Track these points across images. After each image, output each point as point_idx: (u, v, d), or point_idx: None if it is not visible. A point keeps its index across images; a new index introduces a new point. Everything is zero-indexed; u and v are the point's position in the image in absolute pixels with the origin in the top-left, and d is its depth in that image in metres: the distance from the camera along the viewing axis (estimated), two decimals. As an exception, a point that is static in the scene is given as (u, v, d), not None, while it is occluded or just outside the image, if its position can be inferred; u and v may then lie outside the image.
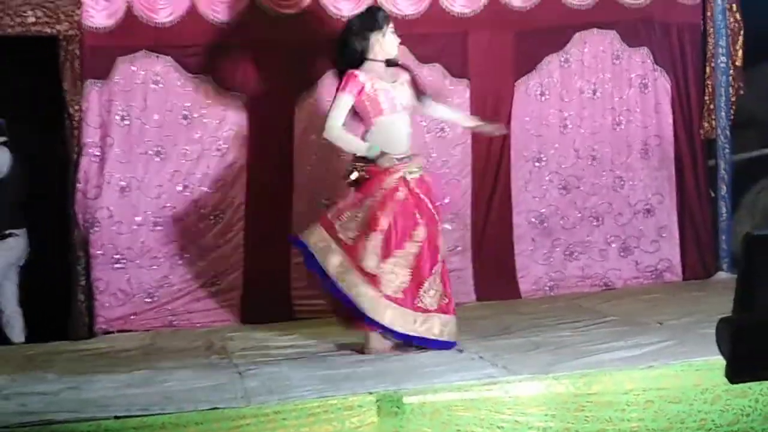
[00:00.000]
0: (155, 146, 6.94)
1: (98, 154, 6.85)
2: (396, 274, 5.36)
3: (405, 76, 5.89)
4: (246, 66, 7.05)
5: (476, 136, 7.36)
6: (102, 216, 6.82)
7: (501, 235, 7.47)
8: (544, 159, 7.54)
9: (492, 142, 7.41)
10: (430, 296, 5.47)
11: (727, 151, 7.84)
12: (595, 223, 7.63)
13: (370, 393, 4.36)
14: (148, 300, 6.89)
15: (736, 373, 3.33)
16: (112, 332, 6.73)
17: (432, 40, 7.33)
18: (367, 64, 5.69)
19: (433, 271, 5.50)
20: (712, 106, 7.80)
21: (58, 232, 6.98)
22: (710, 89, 7.81)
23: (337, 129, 5.56)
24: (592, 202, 7.62)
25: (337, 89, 5.65)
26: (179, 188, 6.97)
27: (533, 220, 7.53)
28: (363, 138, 5.67)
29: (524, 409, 4.41)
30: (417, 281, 5.44)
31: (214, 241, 7.01)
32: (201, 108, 7.00)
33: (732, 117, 7.84)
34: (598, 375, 4.57)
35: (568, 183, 7.57)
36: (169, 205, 6.95)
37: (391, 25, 5.80)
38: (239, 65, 7.05)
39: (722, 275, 7.64)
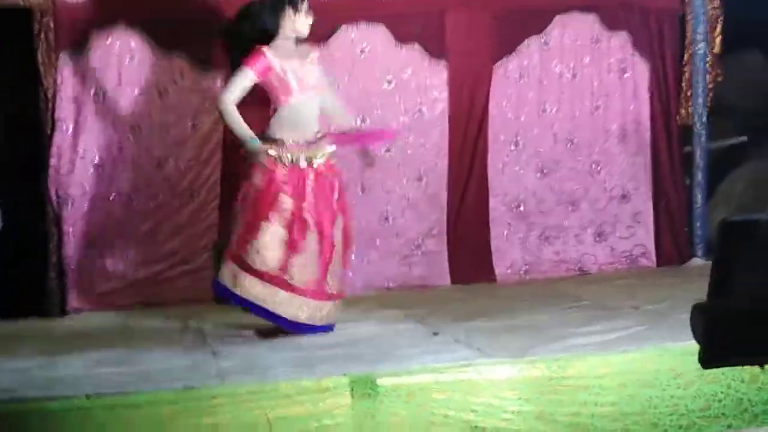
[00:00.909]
0: (129, 122, 6.86)
1: (72, 128, 6.77)
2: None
3: (314, 54, 5.84)
4: (219, 41, 6.96)
5: (454, 118, 7.35)
6: (75, 192, 6.75)
7: (477, 218, 7.45)
8: (522, 142, 7.52)
9: (469, 125, 7.40)
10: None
11: (703, 138, 7.83)
12: (571, 208, 7.62)
13: (344, 375, 4.34)
14: (122, 278, 6.84)
15: (709, 359, 3.36)
16: (85, 311, 6.68)
17: (410, 20, 7.27)
18: (276, 41, 5.62)
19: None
20: (689, 93, 7.79)
21: (31, 207, 6.89)
22: (688, 76, 7.80)
23: (231, 104, 5.45)
24: (568, 187, 7.61)
25: (243, 63, 5.53)
26: (153, 165, 6.90)
27: (509, 203, 7.52)
28: (271, 117, 5.63)
29: (499, 392, 4.42)
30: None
31: (188, 219, 6.95)
32: (175, 83, 6.92)
33: (709, 104, 7.82)
34: (573, 359, 4.58)
35: (545, 167, 7.55)
36: (143, 182, 6.89)
37: (306, 2, 5.69)
38: (214, 41, 6.97)
39: (697, 261, 7.66)
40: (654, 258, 7.75)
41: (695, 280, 6.87)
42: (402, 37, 7.25)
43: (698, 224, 7.81)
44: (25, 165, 6.96)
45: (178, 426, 4.09)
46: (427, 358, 4.68)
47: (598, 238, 7.68)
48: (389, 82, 7.27)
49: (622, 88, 7.70)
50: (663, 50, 7.76)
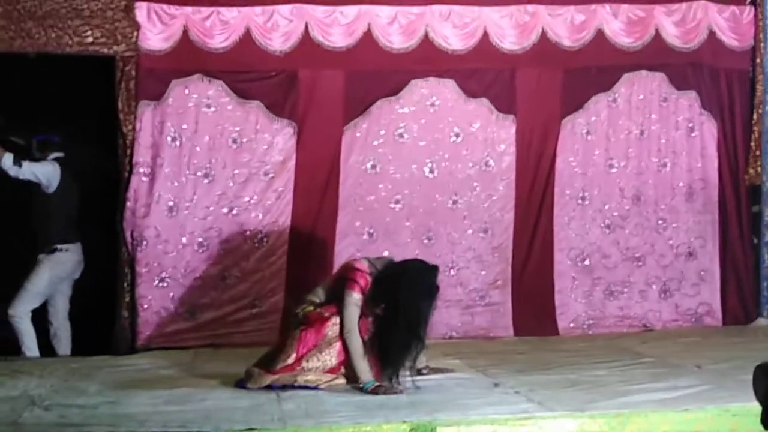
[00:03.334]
0: (204, 168, 7.07)
1: (148, 173, 6.99)
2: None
3: None
4: (296, 94, 7.17)
5: (520, 172, 7.42)
6: (149, 234, 6.95)
7: (542, 272, 7.49)
8: (588, 197, 7.55)
9: (536, 179, 7.47)
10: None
11: (772, 197, 7.80)
12: (636, 264, 7.62)
13: (404, 422, 4.38)
14: (191, 319, 7.00)
15: (771, 420, 3.33)
16: (154, 349, 6.83)
17: (480, 76, 7.42)
18: None
19: None
20: (758, 152, 7.78)
21: (106, 248, 7.10)
22: (757, 135, 7.79)
23: (357, 333, 5.35)
24: (634, 243, 7.61)
25: (351, 287, 5.39)
26: (225, 210, 7.09)
27: (575, 257, 7.53)
28: None
29: (558, 445, 4.41)
30: None
31: (257, 264, 7.10)
32: (250, 133, 7.12)
33: (778, 164, 7.80)
34: (633, 415, 4.55)
35: (611, 222, 7.58)
36: (215, 226, 7.07)
37: None
38: (290, 93, 7.17)
39: (762, 322, 7.58)
40: (719, 317, 7.69)
41: (760, 340, 6.90)
42: (471, 91, 7.37)
43: (765, 284, 7.75)
44: (102, 207, 7.18)
45: (240, 466, 4.16)
46: (487, 409, 4.68)
47: (663, 295, 7.64)
48: (457, 135, 7.37)
49: (690, 146, 7.71)
50: (732, 109, 7.78)
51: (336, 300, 5.41)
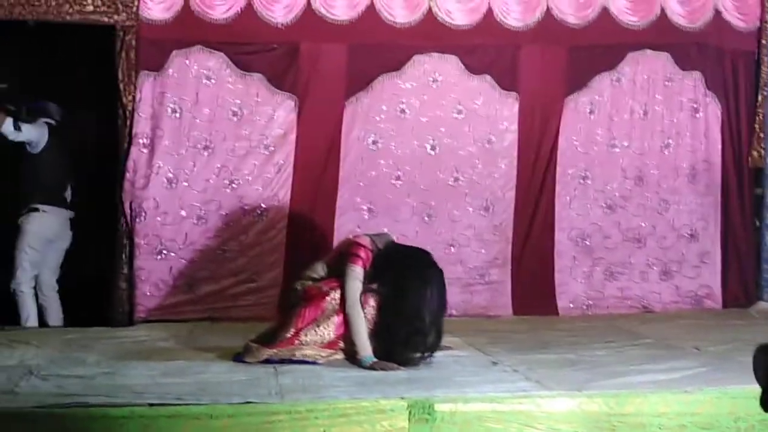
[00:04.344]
0: (204, 140, 7.02)
1: (148, 144, 6.95)
2: None
3: None
4: (297, 67, 7.11)
5: (523, 150, 7.39)
6: (148, 206, 6.91)
7: (542, 251, 7.47)
8: (590, 177, 7.52)
9: (538, 157, 7.44)
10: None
11: (774, 180, 7.78)
12: (637, 245, 7.60)
13: (402, 398, 4.36)
14: (189, 292, 6.97)
15: (771, 402, 3.31)
16: (152, 322, 6.81)
17: (483, 52, 7.37)
18: None
19: None
20: (762, 135, 7.75)
21: (105, 219, 7.07)
22: (761, 117, 7.77)
23: (359, 307, 5.30)
24: (635, 224, 7.59)
25: (354, 261, 5.36)
26: (225, 183, 7.05)
27: (575, 237, 7.51)
28: None
29: (555, 424, 4.38)
30: None
31: (256, 237, 7.07)
32: (251, 106, 7.08)
33: (782, 147, 7.77)
34: (632, 396, 4.54)
35: (612, 203, 7.55)
36: (214, 199, 7.03)
37: None
38: (291, 66, 7.12)
39: (763, 305, 7.56)
40: (719, 299, 7.69)
41: (760, 323, 6.88)
42: (474, 68, 7.32)
43: (766, 267, 7.72)
44: (100, 178, 7.15)
45: (236, 439, 4.15)
46: (485, 387, 4.67)
47: (663, 277, 7.63)
48: (459, 112, 7.33)
49: (694, 128, 7.67)
50: (737, 91, 7.75)
51: (337, 275, 5.39)
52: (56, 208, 6.98)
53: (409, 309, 5.28)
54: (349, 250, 5.40)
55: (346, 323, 5.27)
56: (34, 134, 6.88)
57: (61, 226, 7.04)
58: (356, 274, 5.30)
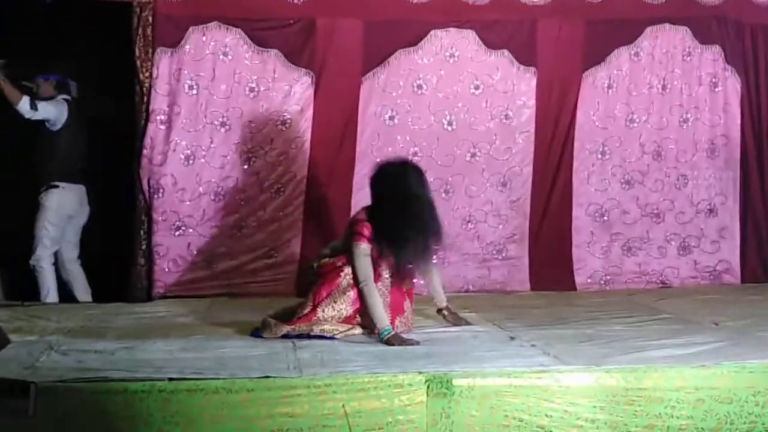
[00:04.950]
0: (221, 117, 7.04)
1: (165, 121, 6.97)
2: None
3: None
4: (314, 42, 7.10)
5: (540, 125, 7.36)
6: (166, 183, 6.94)
7: (559, 226, 7.46)
8: (608, 152, 7.49)
9: (555, 133, 7.42)
10: None
11: (794, 155, 7.72)
12: (655, 220, 7.57)
13: (420, 372, 4.37)
14: (207, 268, 7.01)
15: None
16: (170, 297, 6.84)
17: (501, 27, 7.34)
18: None
19: None
20: (782, 109, 7.69)
21: (123, 196, 7.10)
22: (781, 91, 7.70)
23: (372, 282, 5.28)
24: (654, 199, 7.57)
25: (357, 240, 5.30)
26: (242, 159, 7.06)
27: (593, 213, 7.49)
28: None
29: (574, 399, 4.38)
30: None
31: (274, 213, 7.09)
32: (268, 82, 7.08)
33: (802, 121, 7.71)
34: (650, 370, 4.53)
35: (631, 178, 7.52)
36: (231, 175, 7.06)
37: None
38: (308, 41, 7.10)
39: (782, 281, 7.53)
40: (738, 274, 7.65)
41: (780, 298, 6.85)
42: (491, 43, 7.29)
43: (787, 242, 7.69)
44: (118, 155, 7.18)
45: (254, 413, 4.16)
46: (503, 361, 4.66)
47: (681, 252, 7.60)
48: (477, 87, 7.30)
49: (713, 102, 7.62)
50: (756, 65, 7.68)
51: (347, 254, 5.41)
52: (75, 185, 7.03)
53: (401, 204, 5.32)
54: (351, 230, 5.41)
55: (361, 298, 5.29)
56: (52, 112, 6.91)
57: (80, 201, 7.09)
58: (360, 250, 5.29)
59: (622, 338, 5.33)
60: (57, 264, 7.08)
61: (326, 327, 5.29)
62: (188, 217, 6.99)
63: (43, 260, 6.94)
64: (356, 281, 5.29)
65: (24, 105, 6.76)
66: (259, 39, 7.04)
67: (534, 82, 7.36)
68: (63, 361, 4.68)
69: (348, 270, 5.34)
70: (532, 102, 7.36)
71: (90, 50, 7.66)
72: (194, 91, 6.99)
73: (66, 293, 7.08)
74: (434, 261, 5.58)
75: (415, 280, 5.64)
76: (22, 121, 6.89)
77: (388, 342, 5.10)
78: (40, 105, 6.84)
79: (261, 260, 7.06)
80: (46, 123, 6.95)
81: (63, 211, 7.00)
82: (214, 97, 7.01)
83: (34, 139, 7.06)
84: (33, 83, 7.03)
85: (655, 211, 7.57)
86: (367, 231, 5.31)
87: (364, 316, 5.33)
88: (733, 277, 7.65)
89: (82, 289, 7.10)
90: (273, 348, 4.97)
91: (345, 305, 5.32)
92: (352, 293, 5.31)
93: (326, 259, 5.50)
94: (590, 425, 4.38)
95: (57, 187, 6.95)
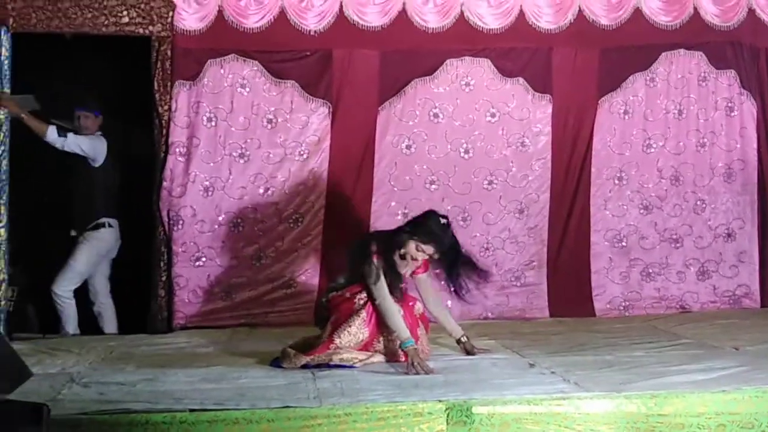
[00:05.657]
0: (239, 148, 7.09)
1: (184, 153, 7.03)
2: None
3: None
4: (331, 73, 7.16)
5: (557, 152, 7.38)
6: (185, 214, 6.99)
7: (578, 253, 7.45)
8: (626, 178, 7.50)
9: (572, 159, 7.43)
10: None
11: (811, 179, 7.70)
12: (674, 245, 7.56)
13: (440, 401, 4.38)
14: (226, 299, 7.05)
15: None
16: (190, 328, 6.88)
17: (516, 55, 7.38)
18: None
19: None
20: (798, 133, 7.68)
21: (142, 228, 7.15)
22: (797, 115, 7.70)
23: (388, 296, 5.38)
24: (672, 224, 7.56)
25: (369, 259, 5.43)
26: (261, 191, 7.11)
27: (611, 239, 7.49)
28: None
29: (594, 426, 4.38)
30: None
31: (293, 244, 7.13)
32: (285, 113, 7.14)
33: (818, 145, 7.69)
34: (670, 396, 4.52)
35: (649, 203, 7.52)
36: (250, 206, 7.10)
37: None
38: (324, 72, 7.17)
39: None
40: (758, 298, 7.63)
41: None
42: (507, 71, 7.33)
43: (805, 266, 7.65)
44: (138, 187, 7.23)
45: (275, 444, 4.19)
46: (523, 389, 4.67)
47: (700, 277, 7.58)
48: (493, 115, 7.34)
49: (729, 126, 7.63)
50: (773, 89, 7.68)
51: (357, 279, 5.46)
52: (115, 221, 7.08)
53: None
54: (362, 253, 5.47)
55: (377, 314, 5.33)
56: (86, 144, 6.90)
57: (117, 236, 7.13)
58: (374, 268, 5.37)
59: (642, 364, 5.32)
60: (89, 297, 7.10)
61: (345, 356, 5.31)
62: (207, 248, 7.03)
63: (68, 293, 6.95)
64: (371, 298, 5.33)
65: (52, 134, 6.77)
66: (277, 71, 7.12)
67: (550, 109, 7.39)
68: (85, 393, 4.72)
69: (361, 295, 5.38)
70: (548, 129, 7.39)
71: (109, 85, 7.73)
72: (213, 123, 7.06)
73: (89, 324, 7.10)
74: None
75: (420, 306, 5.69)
76: (58, 155, 6.90)
77: (409, 354, 5.14)
78: (70, 135, 6.85)
79: (280, 290, 7.09)
80: (89, 160, 6.96)
81: (105, 249, 7.05)
82: (233, 128, 7.08)
83: (71, 175, 7.10)
84: (74, 119, 7.03)
85: (674, 236, 7.56)
86: (375, 249, 5.41)
87: (382, 341, 5.36)
88: (752, 302, 7.62)
89: (111, 324, 7.12)
90: (293, 378, 4.99)
91: (360, 329, 5.35)
92: (364, 313, 5.34)
93: (334, 293, 5.54)
94: (611, 452, 4.37)
95: (105, 225, 7.00)
